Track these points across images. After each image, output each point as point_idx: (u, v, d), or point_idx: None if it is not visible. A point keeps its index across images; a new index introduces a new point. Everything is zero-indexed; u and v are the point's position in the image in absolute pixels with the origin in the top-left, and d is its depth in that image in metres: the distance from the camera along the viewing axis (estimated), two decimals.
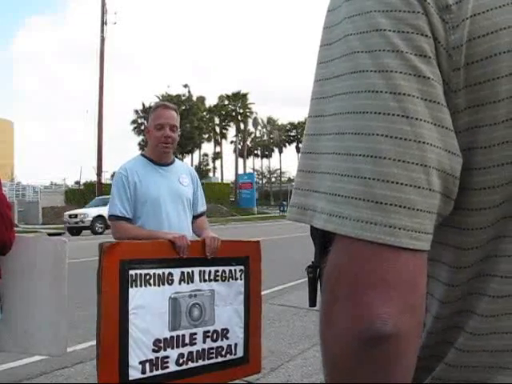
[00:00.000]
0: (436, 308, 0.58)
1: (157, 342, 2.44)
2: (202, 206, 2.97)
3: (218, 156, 63.59)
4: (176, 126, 2.78)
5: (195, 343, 2.57)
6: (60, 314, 2.54)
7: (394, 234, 0.46)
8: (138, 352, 2.37)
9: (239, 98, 57.58)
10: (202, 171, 55.26)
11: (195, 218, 2.89)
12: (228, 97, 58.41)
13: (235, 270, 2.71)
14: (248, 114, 57.45)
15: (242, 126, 58.09)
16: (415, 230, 0.46)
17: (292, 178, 72.48)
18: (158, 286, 2.46)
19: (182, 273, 2.54)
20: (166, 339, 2.47)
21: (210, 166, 64.75)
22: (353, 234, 0.46)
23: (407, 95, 0.47)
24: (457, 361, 0.57)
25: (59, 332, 2.55)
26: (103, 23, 28.60)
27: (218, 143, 62.16)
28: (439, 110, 0.49)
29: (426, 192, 0.47)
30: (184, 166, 3.04)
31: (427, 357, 0.59)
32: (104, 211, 22.41)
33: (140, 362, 2.38)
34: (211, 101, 60.90)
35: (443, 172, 0.48)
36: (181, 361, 2.52)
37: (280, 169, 69.84)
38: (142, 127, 49.69)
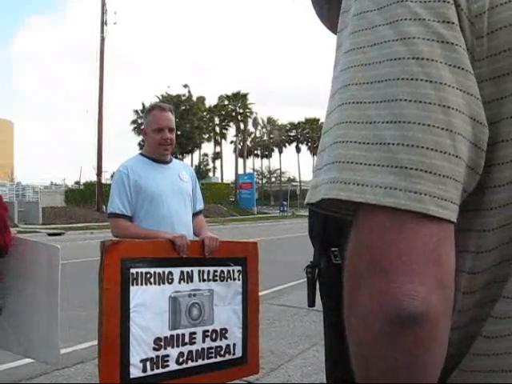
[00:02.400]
0: (460, 300, 0.53)
1: (157, 340, 2.45)
2: (201, 204, 3.03)
3: (217, 156, 63.54)
4: (173, 128, 2.85)
5: (195, 342, 2.58)
6: (53, 320, 2.49)
7: (420, 200, 0.42)
8: (139, 350, 2.38)
9: (239, 98, 57.51)
10: (201, 171, 55.21)
11: (194, 215, 2.93)
12: (228, 97, 58.34)
13: (233, 271, 2.73)
14: (248, 114, 57.38)
15: (242, 126, 58.02)
16: (442, 198, 0.43)
17: (292, 177, 72.51)
18: (159, 284, 2.47)
19: (182, 272, 2.55)
20: (166, 338, 2.48)
21: (210, 166, 64.71)
22: (374, 201, 0.43)
23: (430, 60, 0.45)
24: (483, 348, 0.52)
25: (52, 338, 2.49)
26: (103, 23, 28.61)
27: (217, 143, 62.13)
28: (464, 76, 0.46)
29: (452, 158, 0.44)
30: (182, 164, 3.14)
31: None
32: None
33: (141, 361, 2.39)
34: (211, 101, 60.96)
35: (468, 140, 0.46)
36: (181, 360, 2.53)
37: (280, 169, 69.76)
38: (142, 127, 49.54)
